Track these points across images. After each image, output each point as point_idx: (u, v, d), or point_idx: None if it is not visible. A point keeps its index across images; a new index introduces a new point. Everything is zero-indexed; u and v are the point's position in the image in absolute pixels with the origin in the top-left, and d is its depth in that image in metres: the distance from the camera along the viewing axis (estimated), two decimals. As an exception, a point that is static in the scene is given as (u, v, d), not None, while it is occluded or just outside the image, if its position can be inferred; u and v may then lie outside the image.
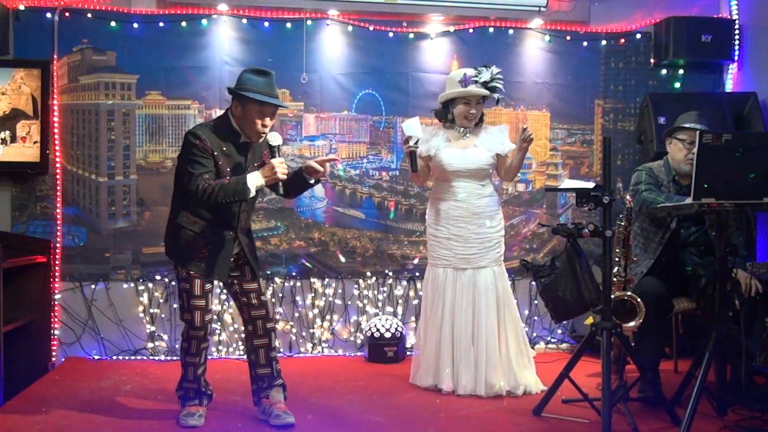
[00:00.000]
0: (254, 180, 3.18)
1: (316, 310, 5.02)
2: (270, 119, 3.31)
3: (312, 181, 3.40)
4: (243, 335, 3.66)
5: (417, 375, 4.17)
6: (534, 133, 4.04)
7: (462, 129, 4.11)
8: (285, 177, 3.24)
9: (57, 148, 4.74)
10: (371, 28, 5.03)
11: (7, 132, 4.61)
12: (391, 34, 5.06)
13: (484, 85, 4.03)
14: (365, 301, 5.08)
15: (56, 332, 4.71)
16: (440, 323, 4.04)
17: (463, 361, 3.97)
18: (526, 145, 3.96)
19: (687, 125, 3.86)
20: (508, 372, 3.99)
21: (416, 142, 3.94)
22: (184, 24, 4.84)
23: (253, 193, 3.20)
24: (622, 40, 5.30)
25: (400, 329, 4.84)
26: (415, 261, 5.10)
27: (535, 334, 5.19)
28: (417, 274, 5.09)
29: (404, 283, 5.12)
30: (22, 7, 4.67)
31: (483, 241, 4.04)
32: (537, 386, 4.02)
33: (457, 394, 3.95)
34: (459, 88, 4.02)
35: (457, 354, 4.00)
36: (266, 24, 4.93)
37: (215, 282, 3.57)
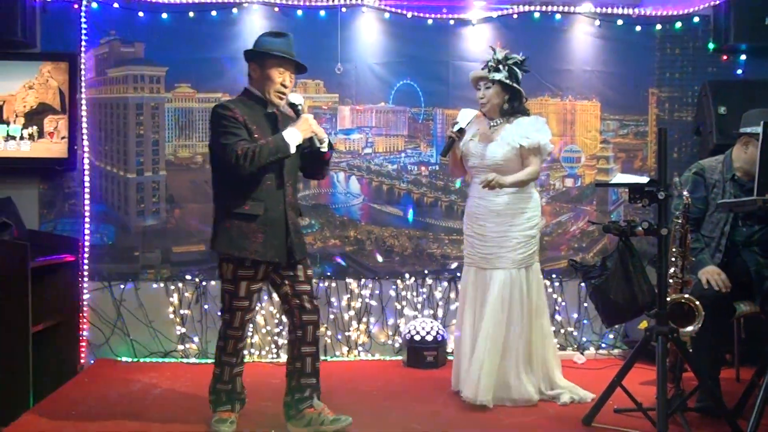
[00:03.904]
0: (291, 135, 3.22)
1: (351, 312, 4.92)
2: (290, 80, 3.35)
3: (323, 149, 3.38)
4: (287, 339, 3.53)
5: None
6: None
7: (489, 121, 3.91)
8: (319, 128, 3.30)
9: (85, 143, 4.71)
10: (409, 15, 4.90)
11: (35, 127, 4.59)
12: (430, 21, 4.92)
13: (494, 67, 3.84)
14: (403, 303, 4.96)
15: (85, 333, 4.69)
16: (461, 324, 3.96)
17: (479, 365, 3.76)
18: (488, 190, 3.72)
19: None
20: (532, 379, 3.83)
21: (459, 131, 3.86)
22: (214, 13, 4.78)
23: (293, 149, 3.21)
24: (679, 24, 5.10)
25: (440, 332, 4.70)
26: (456, 261, 4.93)
27: (584, 339, 5.05)
28: (458, 274, 4.91)
29: (444, 284, 4.99)
30: (48, -1, 4.67)
31: (502, 240, 3.83)
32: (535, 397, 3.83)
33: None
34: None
35: (465, 357, 3.86)
36: (299, 12, 4.84)
37: (262, 285, 3.46)
